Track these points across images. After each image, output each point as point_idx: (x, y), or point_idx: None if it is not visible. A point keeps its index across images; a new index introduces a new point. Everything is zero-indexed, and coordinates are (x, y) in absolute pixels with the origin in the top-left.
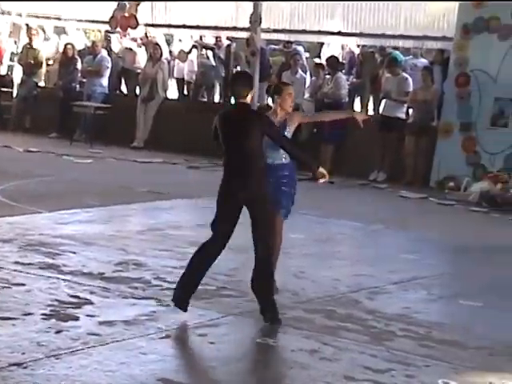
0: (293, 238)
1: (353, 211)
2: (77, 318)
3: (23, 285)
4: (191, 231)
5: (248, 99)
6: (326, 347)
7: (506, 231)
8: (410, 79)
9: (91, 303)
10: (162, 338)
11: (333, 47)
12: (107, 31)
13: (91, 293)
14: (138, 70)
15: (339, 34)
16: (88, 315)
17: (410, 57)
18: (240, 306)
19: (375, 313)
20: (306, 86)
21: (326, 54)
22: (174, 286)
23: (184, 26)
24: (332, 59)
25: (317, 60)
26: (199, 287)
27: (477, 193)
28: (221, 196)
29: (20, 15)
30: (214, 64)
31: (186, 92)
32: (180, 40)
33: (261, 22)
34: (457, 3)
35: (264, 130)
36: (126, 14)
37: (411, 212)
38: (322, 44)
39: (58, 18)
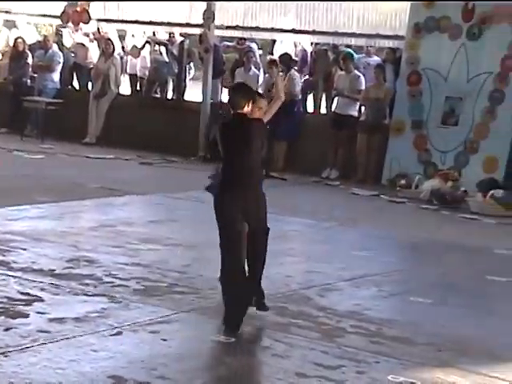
0: None
1: (305, 208)
2: (26, 315)
3: None
4: (143, 228)
5: (245, 110)
6: (277, 344)
7: (456, 228)
8: (362, 77)
9: (41, 300)
10: (112, 334)
11: (285, 44)
12: (59, 26)
13: (41, 289)
14: (91, 66)
15: (292, 31)
16: (38, 312)
17: (363, 55)
18: (192, 302)
19: (326, 310)
20: (259, 83)
21: (278, 51)
22: (125, 282)
23: (137, 22)
24: (285, 57)
25: (269, 57)
26: (150, 283)
27: (427, 190)
28: (219, 208)
29: None
30: (167, 60)
31: (138, 88)
32: (133, 35)
33: (214, 18)
34: (408, 3)
35: (263, 139)
36: (78, 9)
37: (363, 209)
38: (274, 41)
39: (8, 12)
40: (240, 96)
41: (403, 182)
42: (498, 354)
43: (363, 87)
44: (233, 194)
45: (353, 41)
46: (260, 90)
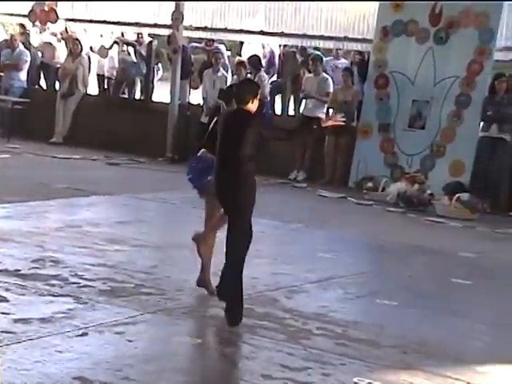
0: None
1: (272, 210)
2: None
3: None
4: (110, 228)
5: (249, 106)
6: (243, 345)
7: (422, 231)
8: (330, 80)
9: (6, 300)
10: (78, 335)
11: (253, 46)
12: (26, 25)
13: (6, 290)
14: (58, 65)
15: (261, 33)
16: (3, 313)
17: (331, 58)
18: (158, 303)
19: (293, 311)
20: (228, 84)
21: (246, 52)
22: (91, 283)
23: (105, 22)
24: (254, 58)
25: (237, 58)
26: (117, 284)
27: (394, 193)
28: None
29: None
30: (135, 61)
31: (106, 88)
32: (101, 35)
33: (183, 19)
34: (376, 5)
35: (258, 132)
36: (46, 8)
37: (330, 211)
38: (242, 42)
39: None
40: (246, 91)
41: (370, 184)
42: (463, 356)
43: (331, 90)
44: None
45: (321, 43)
46: None
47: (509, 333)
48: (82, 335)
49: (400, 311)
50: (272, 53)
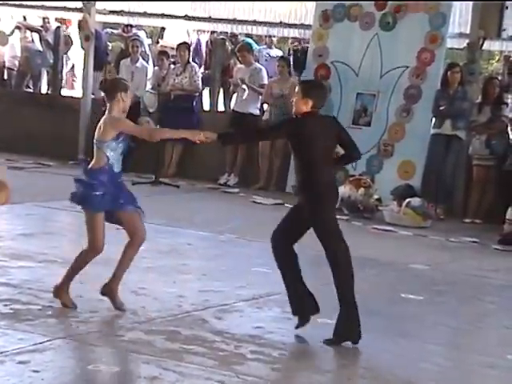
0: None
1: (200, 219)
2: None
3: None
4: (12, 242)
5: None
6: (167, 373)
7: (368, 241)
8: (264, 70)
9: None
10: None
11: (177, 32)
12: None
13: None
14: None
15: (186, 18)
16: None
17: (264, 46)
18: (69, 328)
19: (224, 333)
20: (149, 76)
21: (168, 40)
22: None
23: (5, 4)
24: (183, 46)
25: (161, 45)
26: (20, 306)
27: None
28: None
29: None
30: (40, 49)
31: (6, 80)
32: None
33: (95, 1)
34: None
35: None
36: None
37: (265, 220)
38: (163, 28)
39: None
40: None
41: None
42: (414, 381)
43: (265, 82)
44: None
45: (254, 29)
46: (149, 85)
47: (463, 354)
48: None
49: None
50: (199, 41)
